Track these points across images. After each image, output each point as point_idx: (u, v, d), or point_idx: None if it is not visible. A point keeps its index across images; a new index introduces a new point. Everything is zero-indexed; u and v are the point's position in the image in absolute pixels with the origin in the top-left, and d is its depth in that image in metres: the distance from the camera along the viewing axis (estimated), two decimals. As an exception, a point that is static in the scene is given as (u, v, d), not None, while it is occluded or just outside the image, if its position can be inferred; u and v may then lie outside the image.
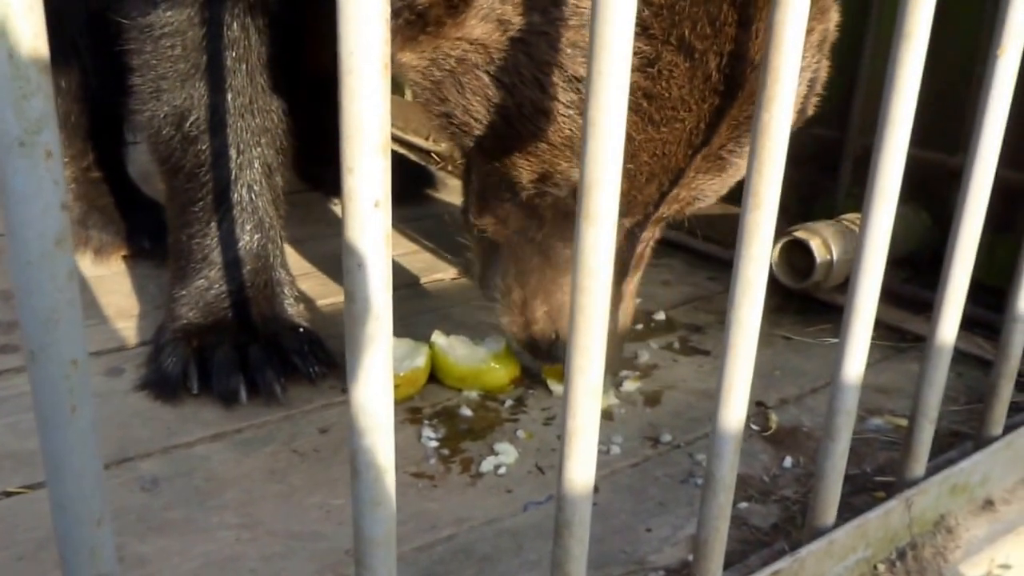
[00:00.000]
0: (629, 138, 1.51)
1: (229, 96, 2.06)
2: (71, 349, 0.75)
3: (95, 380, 2.06)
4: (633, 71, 1.43)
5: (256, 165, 2.13)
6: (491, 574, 1.55)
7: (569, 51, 1.54)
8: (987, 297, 2.19)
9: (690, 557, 1.56)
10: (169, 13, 2.00)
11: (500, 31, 1.58)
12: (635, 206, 1.73)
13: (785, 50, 1.12)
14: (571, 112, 1.59)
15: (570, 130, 1.60)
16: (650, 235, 1.88)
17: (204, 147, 2.10)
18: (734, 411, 1.27)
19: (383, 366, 0.91)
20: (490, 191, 1.86)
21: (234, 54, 2.04)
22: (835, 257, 2.31)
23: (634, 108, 1.54)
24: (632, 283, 1.92)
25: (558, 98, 1.58)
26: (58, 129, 0.71)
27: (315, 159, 3.31)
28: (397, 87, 3.67)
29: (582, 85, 1.53)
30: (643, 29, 1.49)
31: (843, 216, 2.43)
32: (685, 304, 2.61)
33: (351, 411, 0.93)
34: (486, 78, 1.63)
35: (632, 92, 1.45)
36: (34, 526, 1.60)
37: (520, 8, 1.56)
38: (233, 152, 2.10)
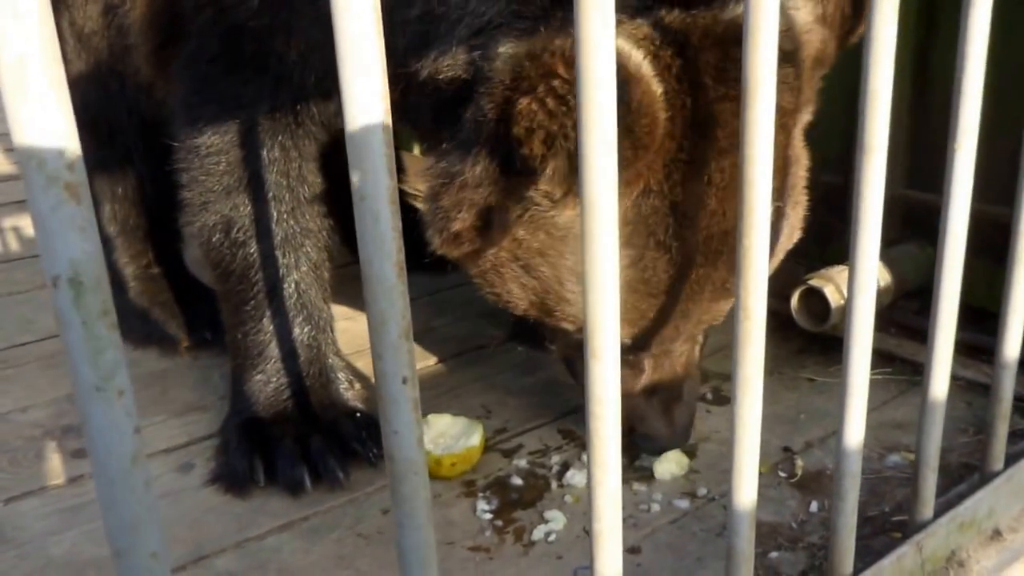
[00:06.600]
0: (638, 310, 1.89)
1: (272, 205, 2.23)
2: (151, 544, 0.88)
3: (167, 478, 2.22)
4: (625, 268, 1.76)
5: (302, 264, 2.29)
6: (545, 646, 1.69)
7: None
8: (991, 323, 2.26)
9: (725, 612, 1.71)
10: (215, 137, 2.20)
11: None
12: (663, 339, 2.01)
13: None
14: None
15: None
16: (688, 348, 2.14)
17: (252, 251, 2.26)
18: (745, 537, 1.43)
19: (425, 513, 1.08)
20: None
21: (275, 168, 2.21)
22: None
23: (635, 291, 1.86)
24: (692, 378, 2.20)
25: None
26: (127, 371, 0.84)
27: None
28: (404, 143, 3.77)
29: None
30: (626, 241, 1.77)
31: (854, 259, 2.56)
32: (716, 353, 2.62)
33: (400, 562, 1.09)
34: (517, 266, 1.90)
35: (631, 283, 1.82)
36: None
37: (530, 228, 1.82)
38: (279, 254, 2.27)
